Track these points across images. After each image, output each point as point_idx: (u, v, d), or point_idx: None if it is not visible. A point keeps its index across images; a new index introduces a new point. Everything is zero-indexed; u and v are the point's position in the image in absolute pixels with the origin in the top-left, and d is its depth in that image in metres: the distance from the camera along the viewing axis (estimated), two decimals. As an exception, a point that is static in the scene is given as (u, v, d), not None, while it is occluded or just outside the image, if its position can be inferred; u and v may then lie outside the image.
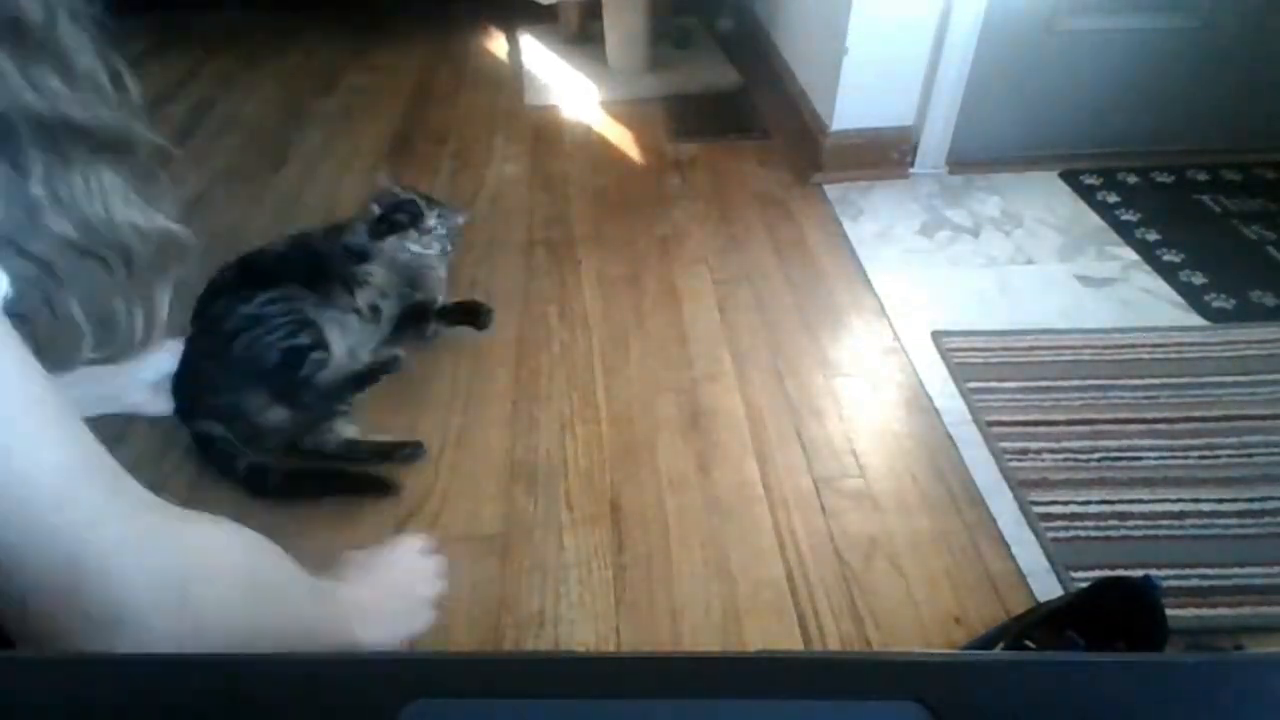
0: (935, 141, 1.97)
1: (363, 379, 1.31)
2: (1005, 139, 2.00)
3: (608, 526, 1.19)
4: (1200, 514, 1.17)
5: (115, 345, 0.58)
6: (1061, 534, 1.15)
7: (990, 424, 1.32)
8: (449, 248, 1.61)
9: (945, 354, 1.47)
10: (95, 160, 0.55)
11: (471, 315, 1.51)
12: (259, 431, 1.27)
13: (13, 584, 0.43)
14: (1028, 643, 0.95)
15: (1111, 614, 0.92)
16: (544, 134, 2.29)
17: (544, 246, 1.80)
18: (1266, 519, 1.16)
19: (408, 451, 1.29)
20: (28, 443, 0.44)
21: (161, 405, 1.27)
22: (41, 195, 0.52)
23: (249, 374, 1.26)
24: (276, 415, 1.28)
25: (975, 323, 1.55)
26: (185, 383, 1.27)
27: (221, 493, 1.23)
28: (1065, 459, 1.26)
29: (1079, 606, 0.95)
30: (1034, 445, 1.28)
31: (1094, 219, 1.84)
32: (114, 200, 0.56)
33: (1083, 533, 1.15)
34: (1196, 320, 1.54)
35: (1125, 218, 1.84)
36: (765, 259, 1.75)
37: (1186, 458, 1.25)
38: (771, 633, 1.05)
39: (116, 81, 0.56)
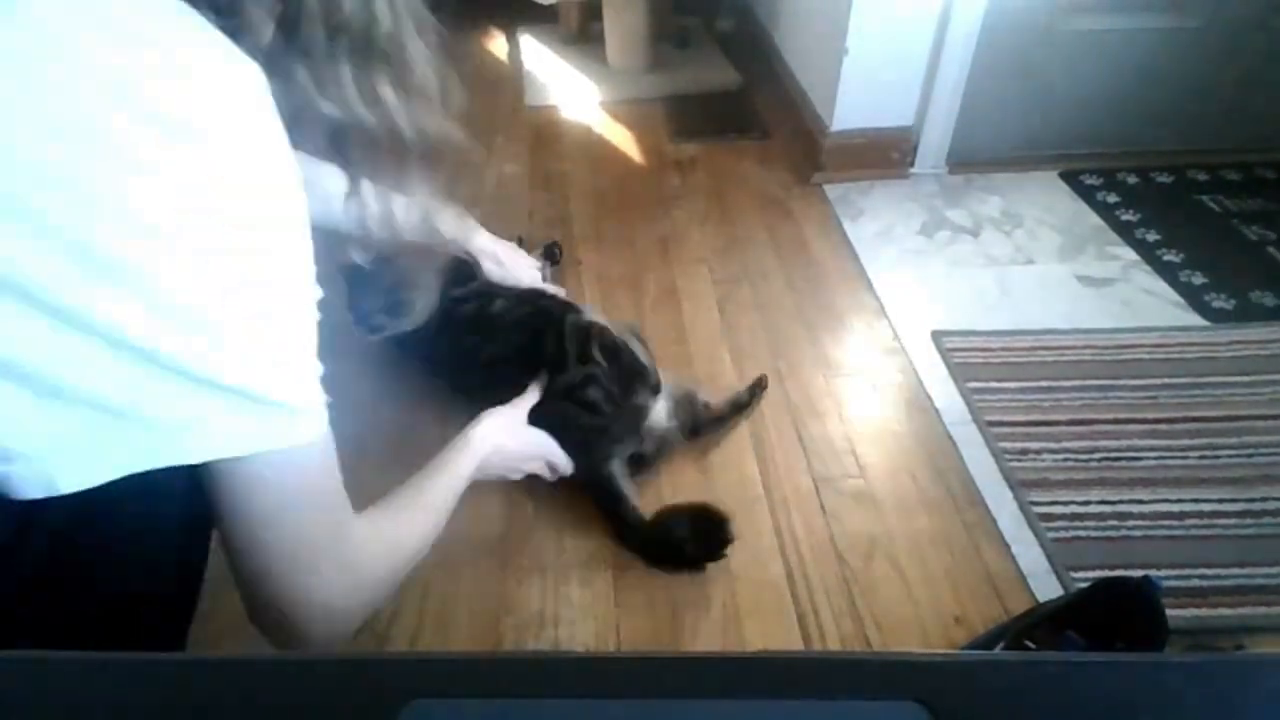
0: (935, 141, 1.97)
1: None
2: (1005, 139, 2.00)
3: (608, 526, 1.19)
4: (1200, 514, 1.17)
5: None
6: (1061, 534, 1.15)
7: (990, 424, 1.32)
8: None
9: (945, 354, 1.47)
10: (412, 167, 0.60)
11: None
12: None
13: None
14: (1028, 643, 0.95)
15: (1111, 614, 0.92)
16: (544, 134, 2.29)
17: (544, 246, 1.80)
18: (1266, 519, 1.16)
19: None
20: None
21: None
22: (370, 199, 0.59)
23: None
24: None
25: (975, 323, 1.55)
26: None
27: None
28: (1065, 459, 1.26)
29: (1079, 606, 0.95)
30: (1034, 445, 1.28)
31: (1094, 219, 1.84)
32: (424, 201, 0.62)
33: (1083, 533, 1.15)
34: (1196, 320, 1.54)
35: (1125, 218, 1.84)
36: (765, 259, 1.75)
37: (1186, 458, 1.25)
38: (771, 633, 1.05)
39: (444, 89, 0.59)
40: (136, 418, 0.46)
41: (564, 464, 1.15)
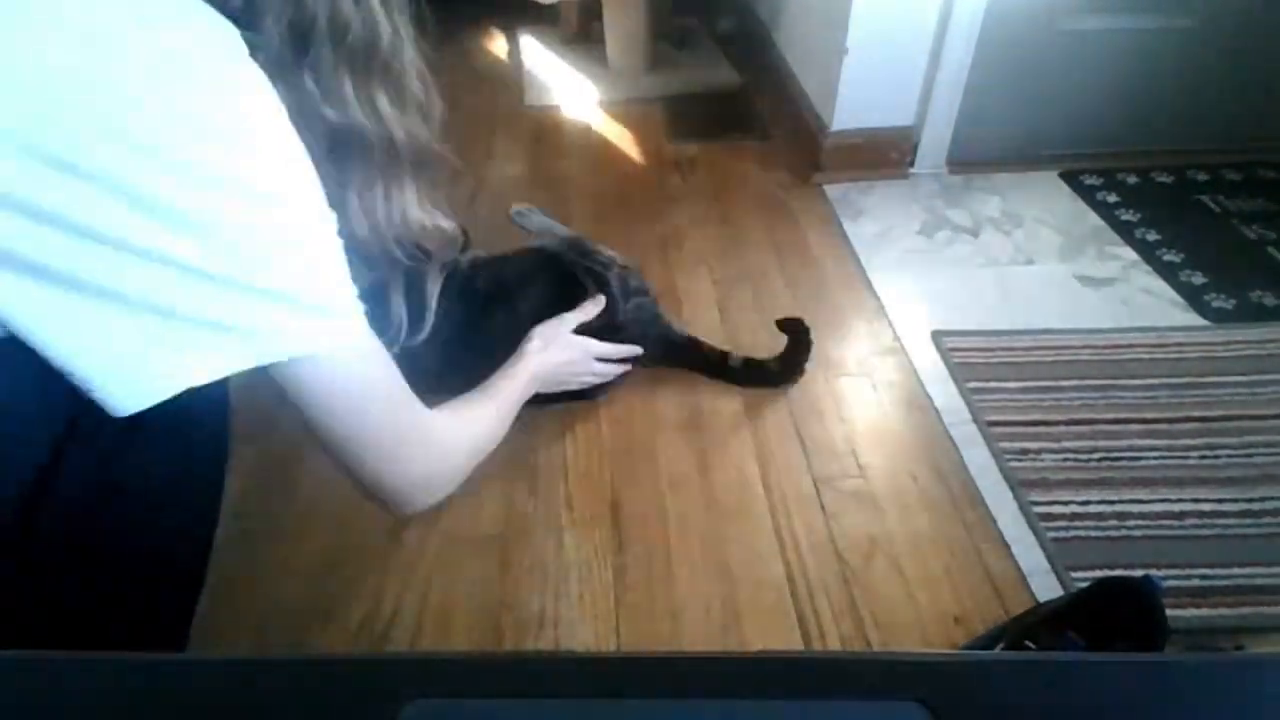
0: (935, 141, 1.97)
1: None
2: (1005, 139, 2.00)
3: (608, 526, 1.19)
4: (1200, 514, 1.17)
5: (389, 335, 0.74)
6: (1061, 534, 1.15)
7: (990, 424, 1.32)
8: None
9: (945, 354, 1.47)
10: (401, 174, 0.66)
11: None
12: None
13: None
14: (1028, 643, 0.95)
15: (1111, 614, 0.92)
16: (544, 134, 2.29)
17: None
18: (1266, 519, 1.16)
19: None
20: None
21: None
22: (356, 205, 0.64)
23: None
24: None
25: (975, 323, 1.55)
26: None
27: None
28: (1065, 459, 1.26)
29: (1079, 606, 0.95)
30: (1034, 445, 1.28)
31: (1094, 219, 1.84)
32: (409, 206, 0.68)
33: (1083, 533, 1.15)
34: (1196, 320, 1.54)
35: (1125, 218, 1.84)
36: (765, 259, 1.75)
37: (1186, 458, 1.25)
38: (771, 633, 1.05)
39: (429, 101, 0.66)
40: (195, 321, 0.50)
41: (613, 350, 1.27)
